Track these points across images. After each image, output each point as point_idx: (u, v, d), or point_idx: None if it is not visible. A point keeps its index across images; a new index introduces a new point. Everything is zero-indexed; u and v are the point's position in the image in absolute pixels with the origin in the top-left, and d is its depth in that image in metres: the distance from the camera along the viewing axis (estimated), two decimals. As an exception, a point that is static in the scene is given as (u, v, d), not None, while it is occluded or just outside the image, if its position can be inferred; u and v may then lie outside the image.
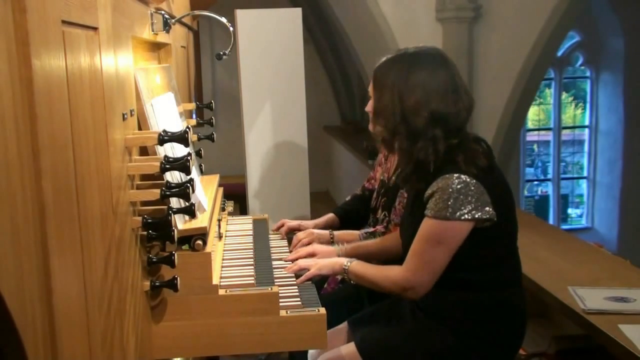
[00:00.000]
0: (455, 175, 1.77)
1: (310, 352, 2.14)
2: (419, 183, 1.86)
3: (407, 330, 1.93)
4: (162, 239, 1.45)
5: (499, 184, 1.85)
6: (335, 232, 2.41)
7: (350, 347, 1.97)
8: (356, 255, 2.11)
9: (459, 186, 1.76)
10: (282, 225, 2.51)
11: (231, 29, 2.50)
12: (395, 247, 2.11)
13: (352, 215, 2.58)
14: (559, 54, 8.53)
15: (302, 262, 2.04)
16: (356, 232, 2.39)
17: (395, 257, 2.03)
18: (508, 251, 1.91)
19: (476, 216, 1.76)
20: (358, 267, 1.98)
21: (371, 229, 2.37)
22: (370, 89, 1.98)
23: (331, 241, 2.37)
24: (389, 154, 2.42)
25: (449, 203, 1.75)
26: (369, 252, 2.19)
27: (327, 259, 2.08)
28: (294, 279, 1.96)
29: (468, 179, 1.76)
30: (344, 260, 2.01)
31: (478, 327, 1.86)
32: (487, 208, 1.77)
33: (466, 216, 1.76)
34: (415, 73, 1.84)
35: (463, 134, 1.87)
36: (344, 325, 2.12)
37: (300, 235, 2.38)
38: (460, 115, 1.85)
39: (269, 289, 1.68)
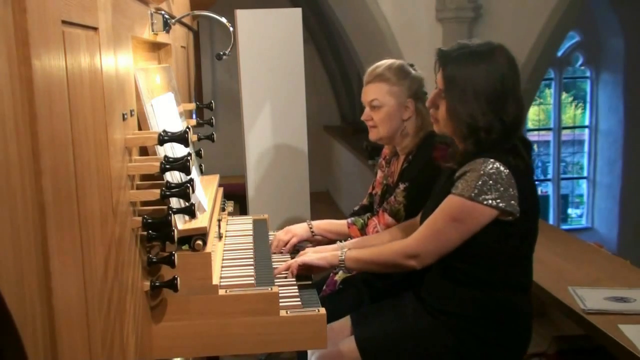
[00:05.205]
0: (491, 160, 1.76)
1: None
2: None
3: (409, 328, 1.92)
4: (162, 239, 1.45)
5: (530, 188, 1.83)
6: (314, 222, 2.43)
7: (350, 344, 1.97)
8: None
9: (491, 171, 1.75)
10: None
11: (231, 29, 2.50)
12: None
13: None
14: (559, 54, 8.54)
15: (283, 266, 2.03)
16: (335, 222, 2.43)
17: None
18: (521, 255, 1.88)
19: (500, 205, 1.74)
20: (354, 252, 1.99)
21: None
22: (435, 92, 1.88)
23: (311, 232, 2.39)
24: (391, 158, 2.41)
25: (477, 184, 1.74)
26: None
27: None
28: (294, 279, 1.96)
29: (502, 167, 1.75)
30: (338, 252, 2.01)
31: (480, 327, 1.86)
32: (513, 202, 1.75)
33: (490, 202, 1.74)
34: (494, 72, 1.80)
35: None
36: (346, 320, 2.11)
37: (279, 235, 2.39)
38: (524, 110, 1.86)
39: (269, 289, 1.68)
